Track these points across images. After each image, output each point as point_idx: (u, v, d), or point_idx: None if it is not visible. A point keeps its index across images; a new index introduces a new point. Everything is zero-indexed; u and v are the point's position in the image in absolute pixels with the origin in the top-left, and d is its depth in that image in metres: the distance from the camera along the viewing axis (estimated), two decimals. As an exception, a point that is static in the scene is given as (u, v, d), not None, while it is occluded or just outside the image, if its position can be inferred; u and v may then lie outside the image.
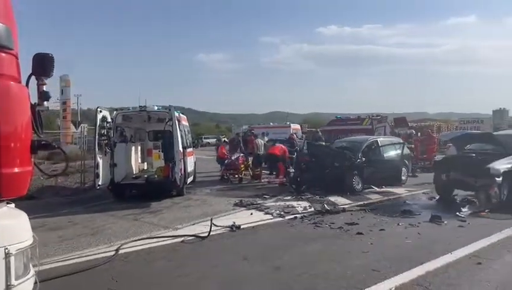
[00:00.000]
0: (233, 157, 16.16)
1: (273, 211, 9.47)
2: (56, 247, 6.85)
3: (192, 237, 7.27)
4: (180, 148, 11.56)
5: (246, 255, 6.13)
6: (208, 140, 56.35)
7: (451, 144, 14.33)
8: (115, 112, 12.28)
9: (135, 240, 7.14)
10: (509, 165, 9.88)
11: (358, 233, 7.31)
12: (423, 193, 12.12)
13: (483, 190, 9.64)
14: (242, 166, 15.69)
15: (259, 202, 10.90)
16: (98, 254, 6.39)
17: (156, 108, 12.48)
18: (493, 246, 6.37)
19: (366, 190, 12.69)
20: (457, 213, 8.81)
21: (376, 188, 12.89)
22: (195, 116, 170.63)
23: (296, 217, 8.82)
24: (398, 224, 8.05)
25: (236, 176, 15.69)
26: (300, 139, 17.19)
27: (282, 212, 9.29)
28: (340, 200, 10.97)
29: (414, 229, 7.60)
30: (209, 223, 7.76)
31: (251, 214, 9.38)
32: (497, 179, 9.49)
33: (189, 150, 13.33)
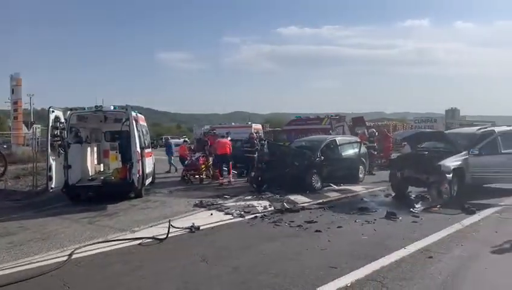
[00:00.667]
0: (193, 158, 15.99)
1: (233, 211, 9.44)
2: (5, 253, 6.52)
3: (150, 240, 7.13)
4: (138, 149, 11.33)
5: (204, 256, 6.07)
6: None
7: (406, 143, 14.84)
8: (69, 112, 11.84)
9: (89, 244, 6.90)
10: (458, 162, 10.37)
11: (317, 231, 7.42)
12: (379, 190, 12.47)
13: (435, 187, 10.04)
14: (203, 166, 15.55)
15: (219, 202, 10.84)
16: (50, 259, 6.13)
17: (112, 108, 12.15)
18: (443, 241, 6.63)
19: (325, 188, 12.92)
20: (411, 209, 9.11)
21: (335, 186, 13.14)
22: (156, 117, 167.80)
23: (256, 217, 8.84)
24: (355, 221, 8.23)
25: (197, 176, 15.55)
26: (262, 140, 17.08)
27: (242, 212, 9.28)
28: (300, 199, 11.10)
29: (370, 226, 7.80)
30: (167, 224, 7.63)
31: (211, 214, 9.31)
32: (447, 175, 9.92)
33: (148, 150, 13.07)
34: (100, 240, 7.22)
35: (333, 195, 11.87)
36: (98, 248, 6.71)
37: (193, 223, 7.98)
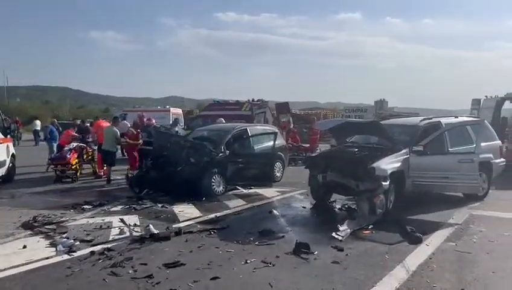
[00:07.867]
0: (66, 148, 12.19)
1: (64, 240, 5.98)
2: None
3: None
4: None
5: None
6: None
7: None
8: None
9: None
10: (397, 164, 7.70)
11: (172, 290, 4.28)
12: (298, 194, 9.75)
13: (367, 198, 7.31)
14: (75, 160, 11.79)
15: (63, 219, 7.35)
16: None
17: None
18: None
19: (230, 192, 9.92)
20: (333, 234, 6.24)
21: (242, 190, 10.18)
22: (86, 99, 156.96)
23: (92, 253, 5.50)
24: (246, 261, 5.17)
25: (67, 172, 11.80)
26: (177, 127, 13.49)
27: (77, 242, 5.90)
28: (187, 211, 8.00)
29: (267, 272, 4.79)
30: None
31: (24, 247, 5.80)
32: (383, 183, 7.20)
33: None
34: None
35: (235, 204, 8.83)
36: None
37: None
